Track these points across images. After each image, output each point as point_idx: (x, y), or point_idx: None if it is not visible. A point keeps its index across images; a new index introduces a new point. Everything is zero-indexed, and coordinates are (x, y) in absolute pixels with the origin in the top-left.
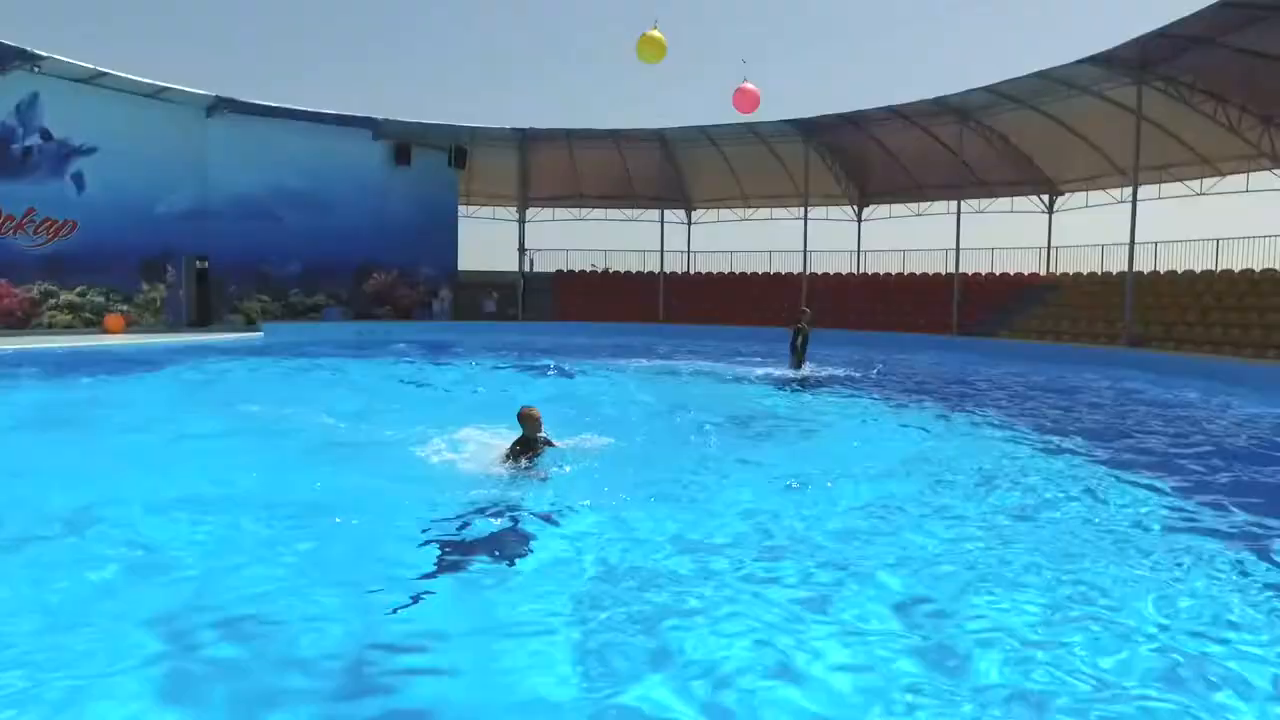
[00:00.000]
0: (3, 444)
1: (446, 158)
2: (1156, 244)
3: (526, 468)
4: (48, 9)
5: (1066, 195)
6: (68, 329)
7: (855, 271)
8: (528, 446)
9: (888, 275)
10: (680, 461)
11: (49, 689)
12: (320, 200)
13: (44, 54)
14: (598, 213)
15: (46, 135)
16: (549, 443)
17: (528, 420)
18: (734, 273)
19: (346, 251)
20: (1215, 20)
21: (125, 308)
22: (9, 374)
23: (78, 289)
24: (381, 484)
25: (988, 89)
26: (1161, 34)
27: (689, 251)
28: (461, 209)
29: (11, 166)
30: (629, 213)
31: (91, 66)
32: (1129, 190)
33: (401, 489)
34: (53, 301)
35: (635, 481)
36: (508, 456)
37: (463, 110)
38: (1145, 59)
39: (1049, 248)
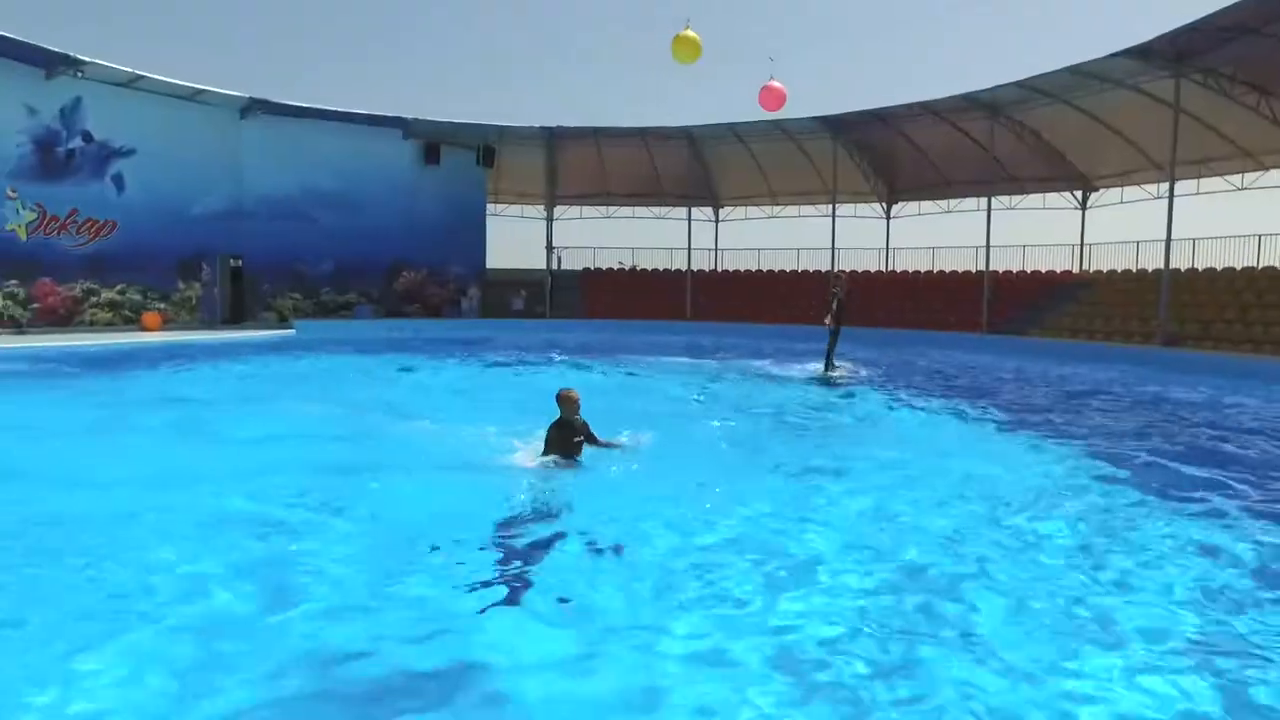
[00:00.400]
0: (49, 439)
1: (475, 157)
2: (1194, 240)
3: (567, 463)
4: (74, 11)
5: (1100, 191)
6: (108, 326)
7: (884, 269)
8: (566, 428)
9: (917, 273)
10: (718, 460)
11: (96, 693)
12: (351, 200)
13: (86, 59)
14: (625, 210)
15: (88, 138)
16: (588, 428)
17: (566, 402)
18: (761, 270)
19: (377, 251)
20: (1258, 10)
21: (162, 306)
22: (54, 370)
23: (118, 287)
24: (423, 482)
25: (1019, 84)
26: (1197, 27)
27: (716, 249)
28: (490, 207)
29: (56, 169)
30: (656, 210)
31: (131, 70)
32: (1165, 185)
33: (443, 487)
34: (94, 300)
35: (674, 480)
36: (547, 443)
37: (483, 109)
38: (1182, 51)
39: (1082, 245)
